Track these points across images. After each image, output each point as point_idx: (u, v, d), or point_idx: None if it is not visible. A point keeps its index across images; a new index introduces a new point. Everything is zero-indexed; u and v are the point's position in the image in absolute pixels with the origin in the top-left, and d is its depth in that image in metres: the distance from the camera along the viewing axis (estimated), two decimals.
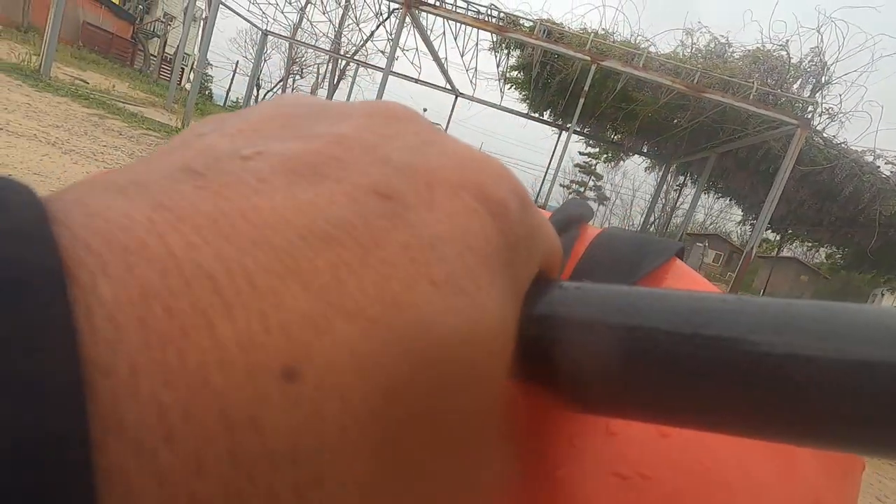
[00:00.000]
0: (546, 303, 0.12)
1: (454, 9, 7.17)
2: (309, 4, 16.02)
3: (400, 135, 0.12)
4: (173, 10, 21.62)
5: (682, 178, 12.87)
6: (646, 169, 14.72)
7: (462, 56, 9.64)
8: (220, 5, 8.90)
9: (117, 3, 20.81)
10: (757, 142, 7.76)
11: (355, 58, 15.09)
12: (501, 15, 7.60)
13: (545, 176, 13.33)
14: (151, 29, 21.50)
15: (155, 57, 21.06)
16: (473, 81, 11.32)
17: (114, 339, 0.06)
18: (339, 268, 0.08)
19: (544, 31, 7.77)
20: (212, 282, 0.07)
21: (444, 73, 10.50)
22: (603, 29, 9.08)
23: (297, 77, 26.15)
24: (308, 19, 15.27)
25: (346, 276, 0.08)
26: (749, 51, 8.79)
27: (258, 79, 31.48)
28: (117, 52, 19.58)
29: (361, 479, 0.08)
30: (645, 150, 12.22)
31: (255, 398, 0.07)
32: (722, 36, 8.94)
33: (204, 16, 20.02)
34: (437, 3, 6.99)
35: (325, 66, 21.57)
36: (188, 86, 11.82)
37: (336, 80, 18.92)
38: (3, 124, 3.90)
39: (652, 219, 13.57)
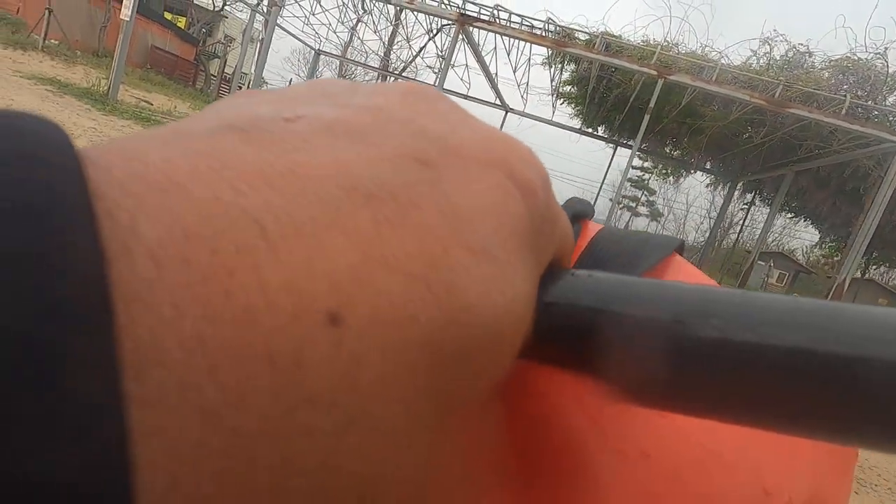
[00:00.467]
0: (559, 289, 0.13)
1: (508, 24, 6.93)
2: (360, 23, 16.30)
3: (433, 112, 0.12)
4: (233, 32, 22.69)
5: (749, 196, 11.98)
6: (707, 185, 13.82)
7: (514, 72, 9.37)
8: (276, 27, 9.08)
9: (183, 27, 22.06)
10: (845, 159, 6.99)
11: (404, 74, 15.16)
12: (557, 29, 7.28)
13: (599, 192, 12.77)
14: (213, 50, 22.61)
15: (215, 77, 22.09)
16: (524, 97, 11.02)
17: (154, 277, 0.06)
18: (381, 224, 0.09)
19: (604, 44, 7.39)
20: (258, 226, 0.07)
21: (495, 88, 10.27)
22: (666, 40, 8.58)
23: None
24: (359, 37, 15.46)
25: (387, 232, 0.09)
26: (832, 60, 8.00)
27: None
28: (181, 73, 20.68)
29: (390, 426, 0.08)
30: (708, 167, 11.46)
31: (300, 339, 0.07)
32: (801, 44, 8.21)
33: (261, 37, 20.90)
34: (492, 19, 6.78)
35: (374, 82, 21.91)
36: None
37: None
38: None
39: (709, 236, 12.71)
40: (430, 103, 0.12)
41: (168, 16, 22.35)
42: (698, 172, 12.33)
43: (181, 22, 22.69)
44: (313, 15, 10.73)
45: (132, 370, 0.06)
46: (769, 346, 0.10)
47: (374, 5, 11.67)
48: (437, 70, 13.34)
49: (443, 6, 6.99)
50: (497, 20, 6.85)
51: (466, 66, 11.03)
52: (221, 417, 0.06)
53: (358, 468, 0.08)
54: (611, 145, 11.93)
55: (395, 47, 17.86)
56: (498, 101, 11.44)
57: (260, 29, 21.95)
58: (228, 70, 23.05)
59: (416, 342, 0.08)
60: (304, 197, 0.08)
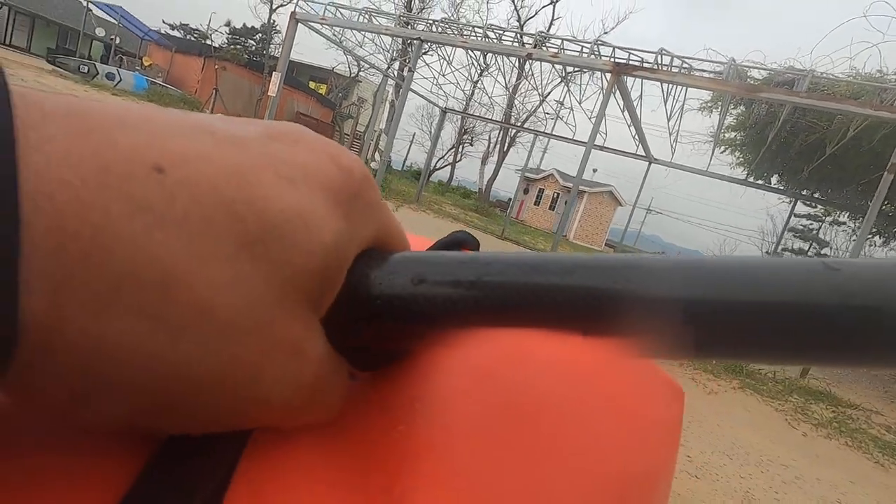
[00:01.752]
0: (373, 263, 0.16)
1: (669, 69, 5.87)
2: (483, 77, 16.26)
3: (291, 125, 0.16)
4: (365, 94, 24.58)
5: None
6: None
7: (668, 120, 8.14)
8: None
9: (324, 93, 24.44)
10: None
11: (526, 126, 14.64)
12: (738, 71, 5.99)
13: (763, 245, 10.56)
14: (347, 112, 24.62)
15: (348, 136, 23.93)
16: (674, 145, 9.62)
17: (51, 135, 0.10)
18: (221, 143, 0.13)
19: (792, 82, 5.92)
20: (120, 121, 0.11)
21: (642, 139, 9.07)
22: (879, 70, 6.76)
23: (468, 145, 27.21)
24: (484, 91, 15.55)
25: (224, 147, 0.13)
26: None
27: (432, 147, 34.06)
28: (321, 133, 22.60)
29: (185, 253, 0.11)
30: None
31: (136, 175, 0.11)
32: None
33: (390, 98, 22.35)
34: (655, 66, 5.77)
35: (497, 133, 21.72)
36: (374, 164, 12.52)
37: (506, 147, 18.75)
38: None
39: None
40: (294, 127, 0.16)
41: (312, 84, 24.98)
42: None
43: (322, 89, 25.21)
44: (442, 76, 10.77)
45: (31, 187, 0.10)
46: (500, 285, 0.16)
47: (499, 59, 11.38)
48: (564, 119, 12.59)
49: (592, 56, 6.18)
50: (660, 66, 5.84)
51: (603, 115, 10.04)
52: (94, 202, 0.10)
53: (188, 279, 0.11)
54: (784, 198, 9.86)
55: (518, 97, 17.58)
56: (642, 152, 10.14)
57: (389, 90, 23.46)
58: (360, 128, 24.92)
59: (224, 206, 0.12)
60: (173, 128, 0.12)
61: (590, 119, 9.87)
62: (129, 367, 0.11)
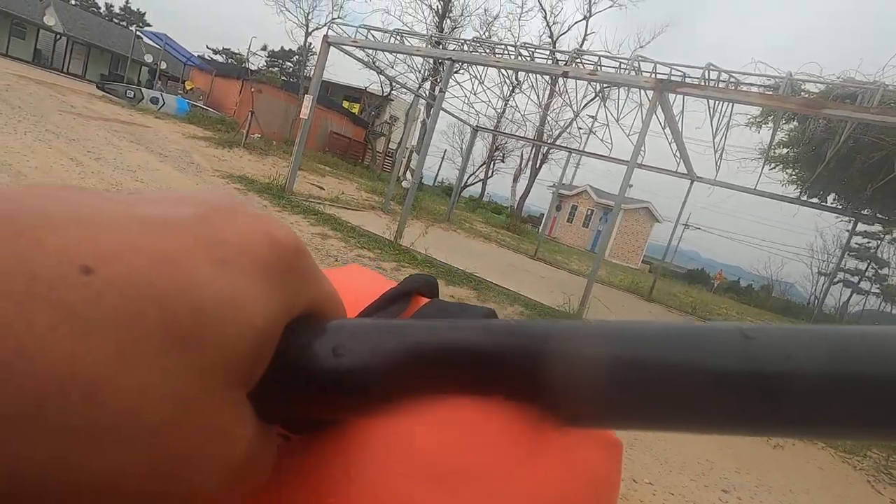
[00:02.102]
0: (292, 337, 0.16)
1: (717, 85, 5.50)
2: (514, 95, 16.08)
3: (225, 197, 0.17)
4: (397, 112, 24.88)
5: None
6: None
7: (714, 137, 7.69)
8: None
9: (357, 112, 24.87)
10: None
11: (559, 142, 14.31)
12: (794, 85, 5.56)
13: (813, 264, 9.80)
14: (378, 130, 24.97)
15: (380, 153, 24.21)
16: (718, 163, 9.10)
17: None
18: (148, 226, 0.13)
19: (853, 96, 5.44)
20: (47, 217, 0.12)
21: (684, 156, 8.62)
22: None
23: (499, 161, 27.04)
24: (516, 108, 15.28)
25: (152, 230, 0.13)
26: None
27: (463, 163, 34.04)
28: (353, 152, 22.96)
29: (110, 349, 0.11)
30: None
31: (64, 273, 0.11)
32: None
33: (420, 117, 22.54)
34: (702, 82, 5.41)
35: (529, 149, 21.36)
36: (405, 182, 12.46)
37: (538, 163, 18.43)
38: None
39: None
40: (227, 199, 0.17)
41: (346, 103, 25.46)
42: None
43: (356, 108, 25.68)
44: (474, 94, 10.62)
45: None
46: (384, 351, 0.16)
47: (531, 75, 11.15)
48: (600, 136, 12.21)
49: (632, 73, 5.88)
50: (706, 81, 5.48)
51: (638, 131, 9.64)
52: (13, 320, 0.10)
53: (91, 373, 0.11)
54: (845, 217, 9.15)
55: (551, 112, 17.29)
56: (684, 170, 9.65)
57: (420, 109, 23.62)
58: (390, 145, 25.23)
59: (155, 300, 0.12)
60: (103, 218, 0.12)
61: (628, 136, 9.50)
62: (48, 484, 0.11)
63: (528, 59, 6.52)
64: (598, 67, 6.08)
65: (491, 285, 5.76)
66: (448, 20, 13.01)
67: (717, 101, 6.38)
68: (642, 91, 6.78)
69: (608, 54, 6.22)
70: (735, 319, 11.09)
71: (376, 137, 24.02)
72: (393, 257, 5.69)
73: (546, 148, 18.16)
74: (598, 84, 10.75)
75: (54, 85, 13.14)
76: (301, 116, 7.15)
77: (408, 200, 6.56)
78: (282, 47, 36.66)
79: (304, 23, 18.29)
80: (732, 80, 5.59)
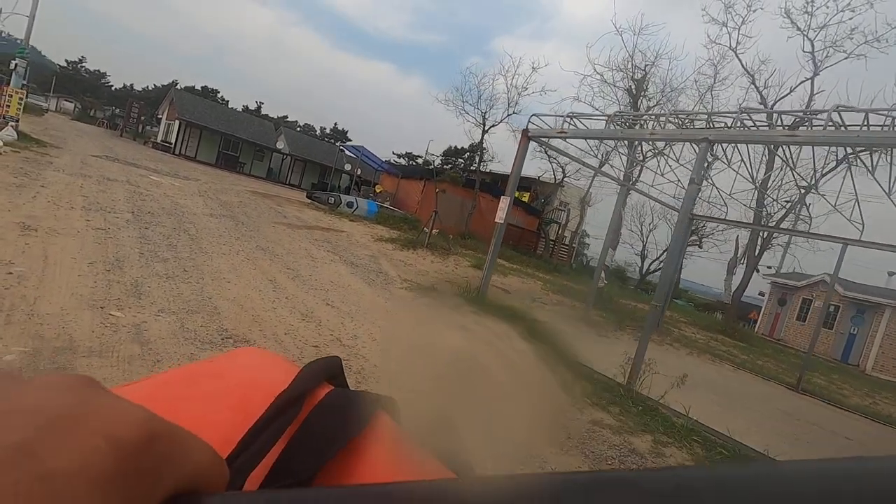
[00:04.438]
0: None
1: None
2: (709, 172, 13.43)
3: (68, 398, 0.16)
4: (566, 197, 23.77)
5: None
6: None
7: None
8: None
9: (527, 201, 24.46)
10: None
11: (781, 226, 11.07)
12: None
13: None
14: (550, 217, 24.00)
15: (553, 242, 23.04)
16: None
17: None
18: None
19: None
20: None
21: None
22: None
23: (697, 247, 23.33)
24: (713, 185, 12.58)
25: None
26: None
27: (644, 248, 30.79)
28: (525, 243, 22.17)
29: None
30: None
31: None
32: None
33: (591, 203, 21.00)
34: None
35: (746, 235, 17.32)
36: (602, 283, 10.70)
37: (759, 251, 14.84)
38: None
39: None
40: (69, 393, 0.16)
41: (515, 193, 25.34)
42: None
43: (525, 197, 25.41)
44: (662, 175, 8.77)
45: None
46: None
47: (738, 148, 8.80)
48: (848, 215, 8.95)
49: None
50: None
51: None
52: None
53: None
54: None
55: (771, 189, 14.01)
56: None
57: (592, 193, 22.01)
58: (560, 231, 23.94)
59: None
60: None
61: None
62: None
63: (782, 128, 4.61)
64: (865, 125, 3.92)
65: None
66: (643, 99, 11.60)
67: None
68: None
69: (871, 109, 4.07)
70: None
71: (547, 224, 22.94)
72: (639, 422, 3.89)
73: (766, 232, 14.60)
74: (844, 148, 7.94)
75: (276, 197, 15.24)
76: (497, 220, 6.19)
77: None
78: (453, 146, 39.64)
79: (481, 122, 18.81)
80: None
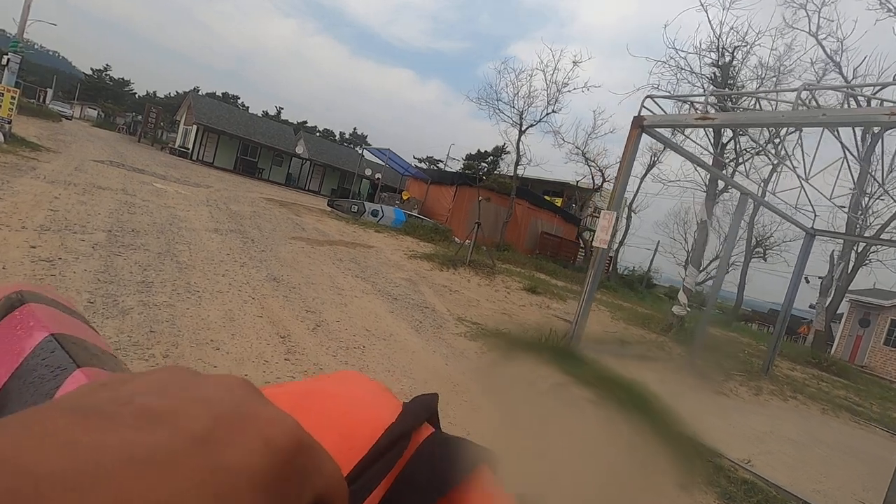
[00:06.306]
0: None
1: None
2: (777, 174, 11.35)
3: (236, 395, 0.17)
4: (602, 203, 21.91)
5: None
6: None
7: None
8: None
9: (559, 205, 22.61)
10: None
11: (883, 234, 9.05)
12: None
13: None
14: (585, 224, 22.15)
15: (594, 248, 21.13)
16: None
17: None
18: (141, 470, 0.12)
19: None
20: (34, 483, 0.11)
21: None
22: None
23: (761, 259, 21.08)
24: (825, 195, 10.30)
25: (148, 473, 0.12)
26: None
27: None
28: (564, 253, 20.28)
29: None
30: None
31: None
32: None
33: (626, 213, 19.10)
34: None
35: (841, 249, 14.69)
36: (676, 308, 8.84)
37: (853, 268, 12.69)
38: None
39: None
40: (239, 391, 0.16)
41: (546, 197, 23.54)
42: None
43: (558, 201, 23.60)
44: (807, 180, 6.91)
45: None
46: None
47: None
48: None
49: None
50: None
51: None
52: None
53: None
54: None
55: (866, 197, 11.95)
56: None
57: (627, 198, 20.03)
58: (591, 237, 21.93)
59: None
60: (84, 464, 0.12)
61: None
62: None
63: None
64: None
65: None
66: (729, 87, 9.71)
67: None
68: None
69: None
70: None
71: (591, 234, 21.04)
72: None
73: (862, 246, 12.48)
74: None
75: (294, 205, 13.73)
76: (598, 245, 4.47)
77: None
78: (478, 150, 37.96)
79: (517, 121, 17.07)
80: None
